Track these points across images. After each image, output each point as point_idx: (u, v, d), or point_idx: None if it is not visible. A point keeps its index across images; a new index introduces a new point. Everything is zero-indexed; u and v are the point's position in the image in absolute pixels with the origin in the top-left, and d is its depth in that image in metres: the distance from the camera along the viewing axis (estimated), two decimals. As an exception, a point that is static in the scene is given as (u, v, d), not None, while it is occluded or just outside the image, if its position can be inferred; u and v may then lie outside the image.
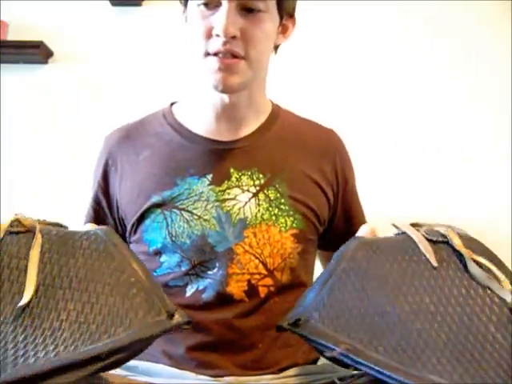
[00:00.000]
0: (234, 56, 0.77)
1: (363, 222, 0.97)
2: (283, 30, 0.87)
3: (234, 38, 0.76)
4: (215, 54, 0.77)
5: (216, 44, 0.77)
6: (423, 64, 1.79)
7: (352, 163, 0.98)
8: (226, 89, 0.80)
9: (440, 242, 0.64)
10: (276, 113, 0.93)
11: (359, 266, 0.61)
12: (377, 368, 0.50)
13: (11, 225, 0.62)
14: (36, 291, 0.56)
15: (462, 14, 1.80)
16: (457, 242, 0.63)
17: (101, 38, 1.85)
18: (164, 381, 0.77)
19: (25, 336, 0.53)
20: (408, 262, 0.61)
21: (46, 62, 1.85)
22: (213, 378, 0.78)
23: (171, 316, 0.59)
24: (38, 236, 0.61)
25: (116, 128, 0.95)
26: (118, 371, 0.81)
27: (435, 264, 0.61)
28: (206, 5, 0.77)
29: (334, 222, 0.93)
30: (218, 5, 0.76)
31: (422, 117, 1.77)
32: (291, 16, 0.87)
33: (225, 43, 0.76)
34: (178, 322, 0.58)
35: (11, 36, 1.81)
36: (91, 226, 0.69)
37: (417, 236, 0.64)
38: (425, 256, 0.62)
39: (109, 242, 0.64)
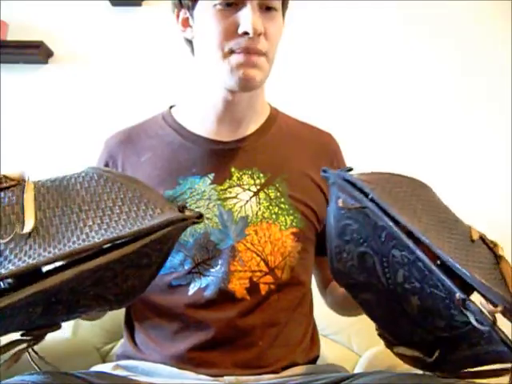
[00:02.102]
0: (257, 53, 0.80)
1: None
2: None
3: (259, 35, 0.78)
4: (239, 52, 0.79)
5: (243, 41, 0.78)
6: (423, 64, 1.80)
7: None
8: (249, 84, 0.81)
9: None
10: (274, 115, 0.95)
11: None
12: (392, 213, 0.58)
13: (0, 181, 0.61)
14: (41, 223, 0.57)
15: (461, 14, 1.81)
16: None
17: (101, 38, 1.85)
18: (164, 381, 0.78)
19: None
20: None
21: (46, 62, 1.85)
22: (213, 378, 0.78)
23: (183, 210, 0.62)
24: (29, 182, 0.61)
25: (116, 131, 0.95)
26: (117, 371, 0.81)
27: None
28: (228, 5, 0.78)
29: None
30: (239, 4, 0.78)
31: (422, 117, 1.77)
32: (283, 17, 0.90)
33: (252, 40, 0.78)
34: (191, 215, 0.61)
35: (11, 36, 1.81)
36: None
37: None
38: None
39: (99, 170, 0.65)
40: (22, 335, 0.60)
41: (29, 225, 0.56)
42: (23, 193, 0.59)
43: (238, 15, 0.78)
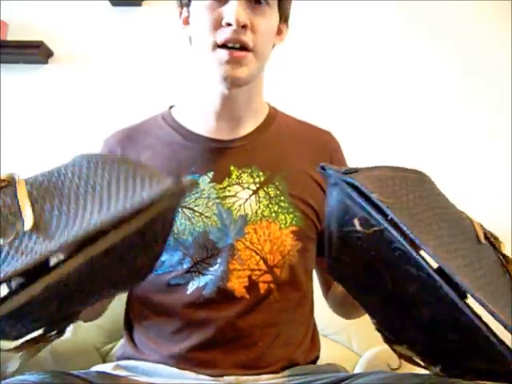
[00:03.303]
0: (243, 48, 0.79)
1: None
2: (278, 31, 0.89)
3: (244, 27, 0.78)
4: (224, 46, 0.79)
5: (226, 33, 0.78)
6: (422, 64, 1.80)
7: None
8: (234, 81, 0.81)
9: None
10: (273, 114, 0.95)
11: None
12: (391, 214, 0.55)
13: None
14: (40, 217, 0.56)
15: (461, 14, 1.81)
16: None
17: (101, 38, 1.85)
18: (164, 381, 0.77)
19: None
20: None
21: (46, 62, 1.85)
22: (213, 378, 0.78)
23: (178, 179, 0.61)
24: (20, 180, 0.61)
25: (115, 131, 0.95)
26: (117, 371, 0.81)
27: None
28: None
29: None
30: None
31: (421, 117, 1.77)
32: (286, 21, 0.90)
33: (235, 32, 0.77)
34: (187, 182, 0.60)
35: (11, 36, 1.81)
36: None
37: None
38: None
39: (89, 156, 0.65)
40: (44, 331, 0.60)
41: (29, 221, 0.56)
42: (16, 191, 0.59)
43: (224, 8, 0.78)
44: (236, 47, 0.78)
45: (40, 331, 0.60)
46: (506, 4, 1.73)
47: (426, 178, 0.67)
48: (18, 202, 0.58)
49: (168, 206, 0.59)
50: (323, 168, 0.64)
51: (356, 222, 0.60)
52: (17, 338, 0.58)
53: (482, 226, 0.64)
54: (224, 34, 0.78)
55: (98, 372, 0.78)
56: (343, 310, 0.97)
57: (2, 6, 1.80)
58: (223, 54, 0.78)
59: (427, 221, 0.58)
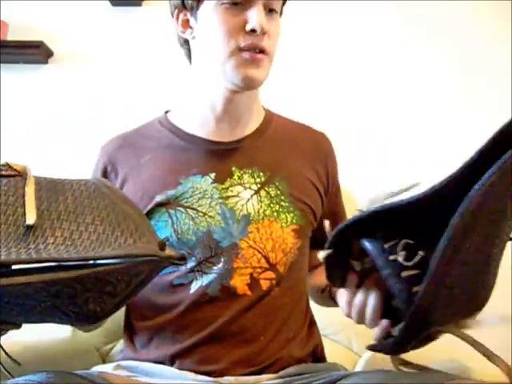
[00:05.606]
0: (261, 52, 0.83)
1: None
2: None
3: (264, 34, 0.82)
4: (247, 50, 0.81)
5: (250, 39, 0.81)
6: (422, 64, 1.80)
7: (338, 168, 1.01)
8: (252, 82, 0.84)
9: None
10: (269, 116, 0.97)
11: None
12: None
13: (1, 168, 0.60)
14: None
15: (460, 14, 1.81)
16: None
17: (101, 38, 1.85)
18: (164, 381, 0.78)
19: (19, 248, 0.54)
20: None
21: (46, 62, 1.85)
22: (212, 379, 0.78)
23: (162, 247, 0.59)
24: (31, 176, 0.61)
25: (111, 137, 0.96)
26: (118, 371, 0.81)
27: None
28: (234, 3, 0.81)
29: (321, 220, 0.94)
30: (245, 3, 0.81)
31: (421, 117, 1.77)
32: None
33: (258, 38, 0.81)
34: (170, 255, 0.58)
35: (11, 36, 1.81)
36: None
37: None
38: None
39: (100, 184, 0.64)
40: None
41: (32, 217, 0.55)
42: (23, 187, 0.59)
43: (246, 14, 0.81)
44: (256, 51, 0.82)
45: None
46: (506, 4, 1.73)
47: None
48: (23, 196, 0.57)
49: (135, 270, 0.57)
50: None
51: None
52: None
53: None
54: (248, 40, 0.81)
55: (101, 372, 0.79)
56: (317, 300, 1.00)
57: (2, 5, 1.80)
58: (246, 55, 0.81)
59: None
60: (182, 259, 0.61)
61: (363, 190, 1.10)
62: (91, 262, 0.54)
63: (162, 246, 0.59)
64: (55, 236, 0.55)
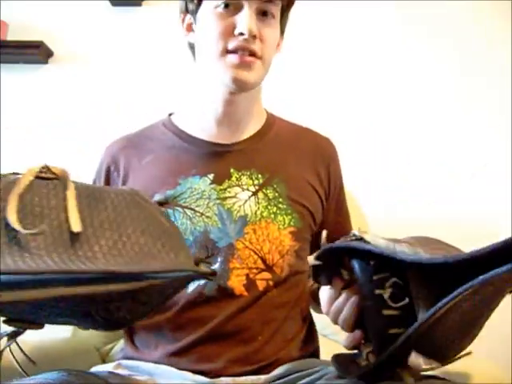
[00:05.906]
0: (251, 55, 0.83)
1: (350, 229, 1.00)
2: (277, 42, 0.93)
3: (254, 37, 0.83)
4: (234, 52, 0.83)
5: (237, 42, 0.82)
6: (421, 64, 1.80)
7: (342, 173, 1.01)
8: (242, 84, 0.84)
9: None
10: (271, 120, 0.98)
11: None
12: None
13: (40, 170, 0.60)
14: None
15: (460, 14, 1.81)
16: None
17: (101, 38, 1.85)
18: (164, 381, 0.78)
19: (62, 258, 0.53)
20: None
21: (46, 62, 1.85)
22: (210, 380, 0.79)
23: (198, 263, 0.61)
24: (71, 181, 0.60)
25: (116, 138, 0.98)
26: (119, 370, 0.82)
27: None
28: (226, 7, 0.83)
29: (323, 226, 0.94)
30: (238, 7, 0.83)
31: (421, 117, 1.78)
32: (282, 33, 0.94)
33: (246, 41, 0.82)
34: (205, 271, 0.60)
35: (11, 36, 1.81)
36: None
37: None
38: None
39: (136, 195, 0.64)
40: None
41: (77, 224, 0.55)
42: (65, 190, 0.58)
43: (236, 18, 0.83)
44: (245, 54, 0.83)
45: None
46: (506, 4, 1.73)
47: None
48: (65, 200, 0.57)
49: (173, 283, 0.58)
50: None
51: None
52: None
53: None
54: (235, 42, 0.82)
55: (112, 373, 0.80)
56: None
57: (2, 5, 1.80)
58: (233, 58, 0.83)
59: None
60: (213, 274, 0.62)
61: (363, 189, 1.10)
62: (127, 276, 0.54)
63: (198, 261, 0.61)
64: (100, 244, 0.55)
